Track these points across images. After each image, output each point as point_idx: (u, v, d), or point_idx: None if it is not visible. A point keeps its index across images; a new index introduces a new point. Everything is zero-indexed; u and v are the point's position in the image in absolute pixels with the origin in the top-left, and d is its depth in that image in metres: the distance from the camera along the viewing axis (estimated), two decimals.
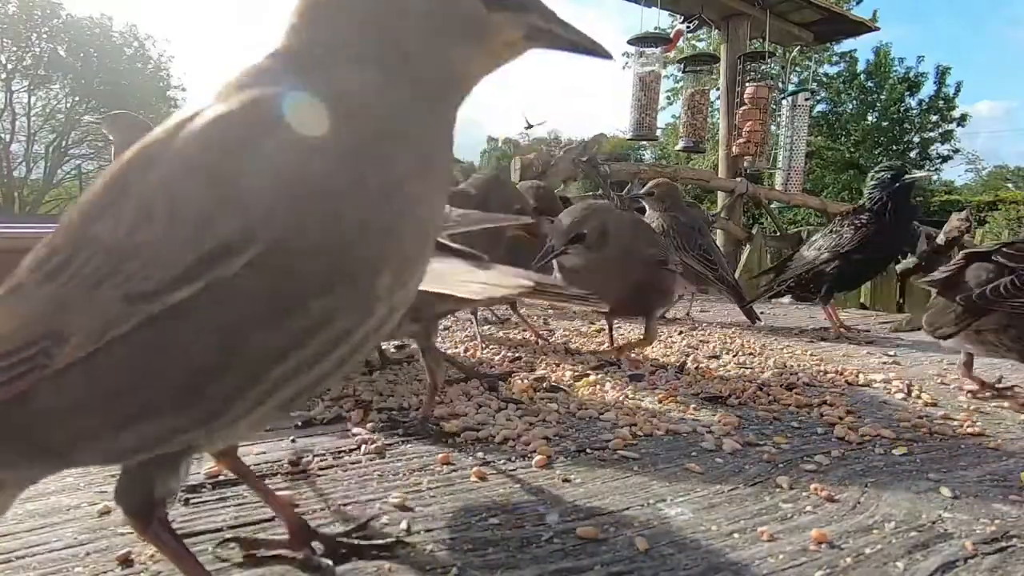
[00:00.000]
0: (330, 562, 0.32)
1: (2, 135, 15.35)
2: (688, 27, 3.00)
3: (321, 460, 0.44)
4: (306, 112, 0.25)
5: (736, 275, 2.74)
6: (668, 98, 13.85)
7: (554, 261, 0.66)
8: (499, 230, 0.71)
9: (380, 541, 0.34)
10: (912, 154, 16.40)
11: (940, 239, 3.36)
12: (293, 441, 0.48)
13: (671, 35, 2.73)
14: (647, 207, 1.11)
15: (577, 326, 1.02)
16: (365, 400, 0.59)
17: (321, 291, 0.25)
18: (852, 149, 15.77)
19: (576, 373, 0.70)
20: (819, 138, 15.02)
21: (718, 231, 2.92)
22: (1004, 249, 0.65)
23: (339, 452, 0.46)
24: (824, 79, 16.08)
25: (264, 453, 0.46)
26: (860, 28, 3.33)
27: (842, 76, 16.09)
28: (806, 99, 3.05)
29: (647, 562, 0.32)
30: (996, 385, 0.69)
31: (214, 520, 0.35)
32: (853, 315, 1.39)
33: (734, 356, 0.85)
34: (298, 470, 0.43)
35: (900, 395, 0.67)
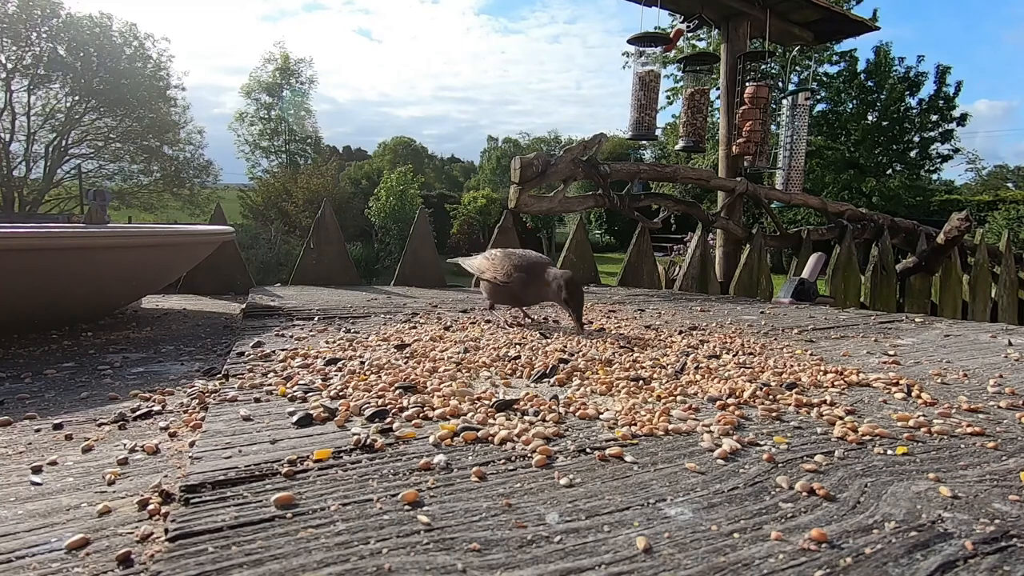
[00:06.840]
0: None
1: (2, 135, 15.34)
2: (688, 27, 3.00)
3: (320, 460, 0.44)
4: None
5: (736, 275, 2.75)
6: (668, 98, 13.90)
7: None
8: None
9: None
10: (912, 154, 16.42)
11: (940, 238, 3.36)
12: (292, 441, 0.48)
13: (671, 34, 2.73)
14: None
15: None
16: (362, 401, 0.59)
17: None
18: (852, 149, 15.79)
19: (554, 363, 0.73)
20: (819, 138, 15.03)
21: (718, 231, 2.92)
22: None
23: (339, 452, 0.46)
24: (824, 79, 16.09)
25: (263, 453, 0.46)
26: (860, 27, 3.32)
27: (842, 76, 16.10)
28: (806, 99, 3.04)
29: (647, 562, 0.32)
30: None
31: (214, 520, 0.35)
32: (853, 315, 1.39)
33: (734, 356, 0.85)
34: (297, 470, 0.43)
35: (900, 395, 0.67)
